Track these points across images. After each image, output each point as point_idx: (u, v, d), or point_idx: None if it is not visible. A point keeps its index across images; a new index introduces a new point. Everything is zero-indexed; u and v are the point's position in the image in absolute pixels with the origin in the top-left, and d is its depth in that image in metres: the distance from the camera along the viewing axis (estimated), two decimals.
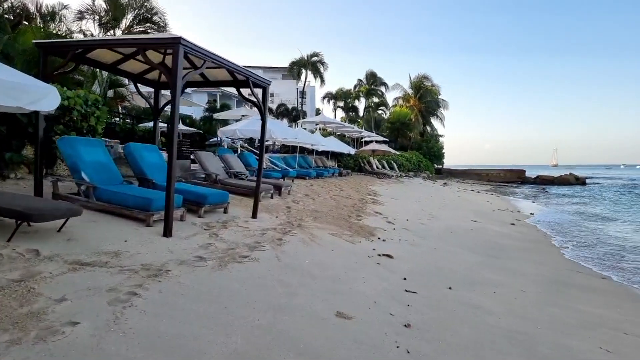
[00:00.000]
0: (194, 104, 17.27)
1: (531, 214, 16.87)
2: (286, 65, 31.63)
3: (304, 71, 30.29)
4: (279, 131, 12.74)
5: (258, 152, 15.71)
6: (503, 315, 4.56)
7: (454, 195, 20.60)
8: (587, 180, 45.73)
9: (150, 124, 20.94)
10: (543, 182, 43.12)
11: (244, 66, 7.44)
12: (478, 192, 25.74)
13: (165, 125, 24.82)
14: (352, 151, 22.34)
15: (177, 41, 5.36)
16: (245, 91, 7.59)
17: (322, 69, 30.53)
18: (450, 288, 5.27)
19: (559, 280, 6.76)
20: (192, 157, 11.30)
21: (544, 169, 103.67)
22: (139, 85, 8.37)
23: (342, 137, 27.42)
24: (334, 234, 7.29)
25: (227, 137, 14.55)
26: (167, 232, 5.37)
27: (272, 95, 48.55)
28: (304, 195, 11.03)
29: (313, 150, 18.76)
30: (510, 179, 43.53)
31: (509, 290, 5.61)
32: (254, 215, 7.33)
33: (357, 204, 11.38)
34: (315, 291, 4.35)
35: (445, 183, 29.61)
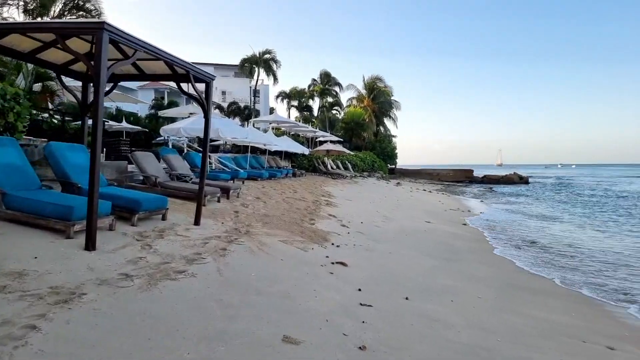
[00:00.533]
0: (138, 101, 16.11)
1: (480, 212, 17.24)
2: (238, 62, 30.56)
3: (256, 69, 29.41)
4: (228, 130, 12.06)
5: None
6: (462, 328, 4.27)
7: (407, 195, 20.72)
8: (530, 179, 48.13)
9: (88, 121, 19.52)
10: (490, 181, 44.89)
11: (194, 63, 6.80)
12: (430, 191, 26.17)
13: (110, 122, 23.26)
14: (307, 151, 21.94)
15: (100, 26, 4.67)
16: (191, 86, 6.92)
17: (274, 66, 29.82)
18: (407, 298, 4.95)
19: (511, 283, 6.67)
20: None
21: (490, 168, 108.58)
22: (66, 78, 7.48)
23: (296, 137, 26.97)
24: (285, 240, 6.81)
25: (172, 137, 13.66)
26: (90, 245, 4.66)
27: (224, 93, 47.30)
28: (255, 198, 10.45)
29: (266, 150, 18.14)
30: (459, 178, 44.97)
31: (466, 298, 5.39)
32: (197, 222, 6.70)
33: (310, 207, 10.95)
34: (260, 311, 3.85)
35: (399, 183, 29.92)
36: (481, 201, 23.77)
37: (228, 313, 3.69)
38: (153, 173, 8.41)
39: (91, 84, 7.46)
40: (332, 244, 7.27)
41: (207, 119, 6.76)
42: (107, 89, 8.26)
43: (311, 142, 32.23)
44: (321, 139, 31.27)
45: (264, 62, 28.94)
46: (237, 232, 6.66)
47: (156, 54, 5.64)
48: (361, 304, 4.49)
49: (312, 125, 36.56)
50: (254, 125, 21.39)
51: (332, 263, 6.00)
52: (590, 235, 12.17)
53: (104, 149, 12.14)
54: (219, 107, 32.44)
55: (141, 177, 8.57)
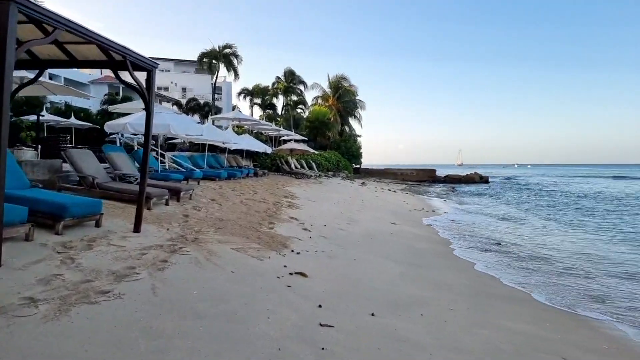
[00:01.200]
0: (83, 95, 14.81)
1: (444, 212, 17.12)
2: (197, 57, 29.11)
3: (216, 64, 28.13)
4: (182, 127, 11.16)
5: (161, 150, 13.94)
6: (435, 349, 3.77)
7: (372, 196, 20.39)
8: (490, 179, 49.38)
9: (30, 117, 17.89)
10: (452, 180, 45.66)
11: (152, 58, 6.00)
12: (394, 191, 26.04)
13: (54, 118, 21.54)
14: (269, 150, 21.17)
15: None
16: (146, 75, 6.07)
17: (235, 62, 28.67)
18: (373, 314, 4.40)
19: (481, 290, 6.28)
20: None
21: (451, 168, 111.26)
22: None
23: (258, 135, 26.10)
24: (239, 248, 6.12)
25: (125, 134, 12.58)
26: None
27: (184, 89, 45.66)
28: (210, 200, 9.66)
29: (226, 149, 17.25)
30: (423, 178, 45.44)
31: (436, 311, 4.91)
32: (136, 229, 5.89)
33: (271, 209, 10.27)
34: (198, 341, 3.18)
35: (363, 183, 29.67)
36: (444, 201, 23.84)
37: (156, 346, 3.00)
38: (91, 173, 7.47)
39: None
40: (292, 250, 6.65)
41: (148, 112, 5.96)
42: (31, 76, 7.33)
43: (275, 141, 31.42)
44: (285, 137, 30.53)
45: (224, 56, 27.70)
46: (184, 239, 5.91)
47: (83, 34, 4.82)
48: (321, 325, 3.90)
49: (276, 123, 35.73)
50: (213, 123, 20.40)
51: (291, 274, 5.38)
52: (556, 237, 12.14)
53: (39, 146, 10.97)
54: (177, 103, 31.00)
55: (77, 178, 7.62)
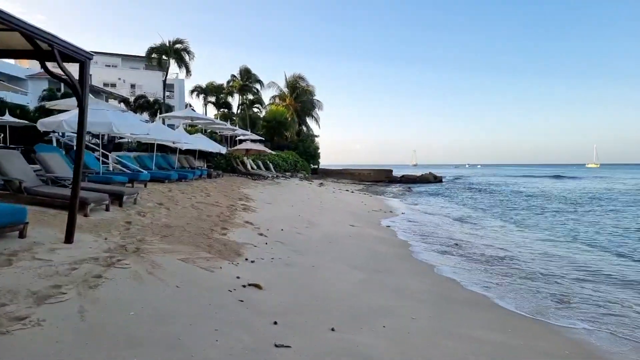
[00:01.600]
0: (14, 89, 13.50)
1: (402, 213, 17.18)
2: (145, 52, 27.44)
3: (167, 60, 26.81)
4: (125, 125, 10.34)
5: (104, 150, 12.95)
6: None
7: (330, 197, 20.18)
8: (443, 179, 50.81)
9: None
10: (408, 180, 46.53)
11: (98, 53, 5.32)
12: (352, 192, 26.02)
13: None
14: (223, 150, 20.40)
15: None
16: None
17: (187, 58, 27.46)
18: (333, 329, 4.07)
19: (442, 294, 6.12)
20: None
21: (407, 168, 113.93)
22: None
23: (212, 135, 25.19)
24: (186, 258, 5.60)
25: (59, 132, 11.53)
26: None
27: (133, 86, 43.51)
28: (157, 205, 8.98)
29: (177, 149, 16.39)
30: (380, 178, 45.95)
31: (399, 321, 4.65)
32: (68, 239, 5.23)
33: (224, 213, 9.73)
34: None
35: (322, 183, 29.48)
36: (401, 201, 24.09)
37: None
38: (17, 176, 6.64)
39: None
40: (246, 259, 6.21)
41: (82, 108, 5.32)
42: None
43: (230, 141, 30.53)
44: (241, 137, 29.72)
45: (175, 52, 26.39)
46: (123, 250, 5.32)
47: (2, 20, 4.15)
48: (276, 345, 3.52)
49: (232, 123, 34.77)
50: (164, 122, 19.38)
51: (244, 286, 4.95)
52: (512, 237, 12.34)
53: None
54: (125, 100, 29.33)
55: (2, 182, 6.77)
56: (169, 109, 30.99)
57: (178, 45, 26.49)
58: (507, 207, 22.30)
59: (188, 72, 27.83)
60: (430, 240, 10.74)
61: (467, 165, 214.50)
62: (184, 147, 15.78)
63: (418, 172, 56.49)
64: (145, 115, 27.07)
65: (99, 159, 11.52)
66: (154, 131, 12.33)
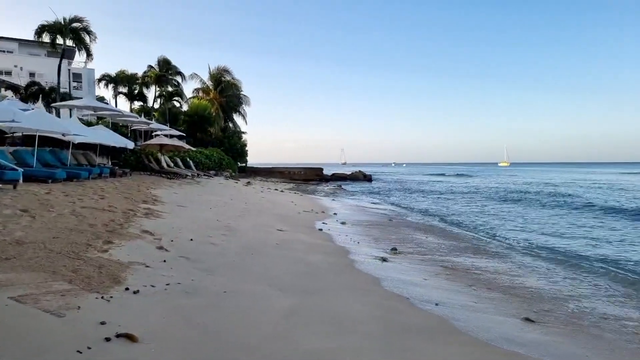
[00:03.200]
0: None
1: (335, 213, 15.98)
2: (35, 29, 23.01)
3: (64, 40, 22.90)
4: None
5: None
6: None
7: (257, 197, 18.46)
8: (372, 177, 51.12)
9: None
10: (338, 179, 46.13)
11: None
12: (282, 191, 24.50)
13: None
14: (131, 145, 17.76)
15: None
16: None
17: (87, 38, 23.74)
18: None
19: (392, 321, 4.75)
20: None
21: (336, 166, 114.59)
22: None
23: (119, 128, 22.16)
24: (25, 295, 3.70)
25: None
26: None
27: (32, 75, 38.07)
28: (18, 212, 6.74)
29: (70, 143, 13.66)
30: (310, 176, 44.92)
31: None
32: None
33: (116, 220, 7.69)
34: None
35: (249, 182, 27.58)
36: (333, 200, 23.06)
37: None
38: None
39: None
40: (127, 288, 4.41)
41: None
42: None
43: (146, 136, 27.45)
44: (159, 132, 26.81)
45: (72, 31, 22.55)
46: None
47: None
48: None
49: (149, 117, 31.44)
50: (57, 111, 16.32)
51: (107, 339, 3.21)
52: (449, 239, 11.62)
53: None
54: (13, 87, 25.01)
55: None
56: (73, 98, 27.01)
57: (76, 24, 22.75)
58: (438, 203, 22.22)
59: (89, 55, 24.22)
60: (366, 245, 9.54)
61: (393, 164, 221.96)
62: (77, 140, 13.14)
63: (348, 171, 56.41)
64: (40, 105, 23.00)
65: None
66: (28, 119, 9.76)
